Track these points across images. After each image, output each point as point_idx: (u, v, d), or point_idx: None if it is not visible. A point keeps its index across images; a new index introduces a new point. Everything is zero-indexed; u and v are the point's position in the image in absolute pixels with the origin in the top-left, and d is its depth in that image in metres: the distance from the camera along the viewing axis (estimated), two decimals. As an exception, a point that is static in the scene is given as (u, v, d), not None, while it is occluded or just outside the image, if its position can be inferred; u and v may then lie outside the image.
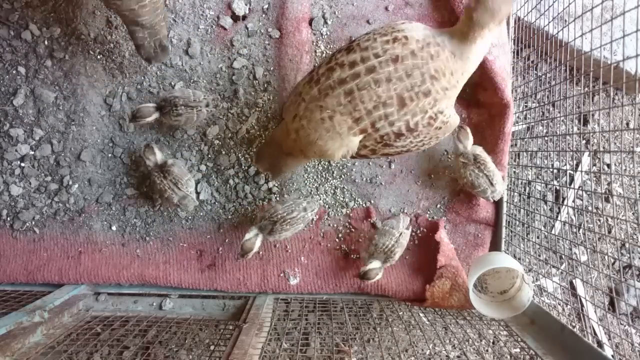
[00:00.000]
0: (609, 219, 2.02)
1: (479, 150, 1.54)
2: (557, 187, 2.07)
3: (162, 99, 1.52)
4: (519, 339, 1.40)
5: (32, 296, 1.63)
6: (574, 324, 1.93)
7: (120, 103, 1.66)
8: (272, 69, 1.67)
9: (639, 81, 1.26)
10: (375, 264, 1.49)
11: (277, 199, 1.69)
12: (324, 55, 1.67)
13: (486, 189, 1.52)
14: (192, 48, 1.64)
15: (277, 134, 1.32)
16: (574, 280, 2.01)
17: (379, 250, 1.50)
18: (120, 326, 1.58)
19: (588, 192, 1.83)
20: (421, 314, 1.65)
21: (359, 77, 1.04)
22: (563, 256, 1.97)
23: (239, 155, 1.70)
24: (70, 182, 1.68)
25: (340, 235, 1.71)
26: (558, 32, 1.56)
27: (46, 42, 1.63)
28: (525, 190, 1.98)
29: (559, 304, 1.98)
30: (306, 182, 1.71)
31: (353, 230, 1.72)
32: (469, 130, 1.53)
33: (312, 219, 1.63)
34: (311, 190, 1.71)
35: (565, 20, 1.53)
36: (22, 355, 1.32)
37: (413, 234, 1.72)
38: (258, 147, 1.66)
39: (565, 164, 2.08)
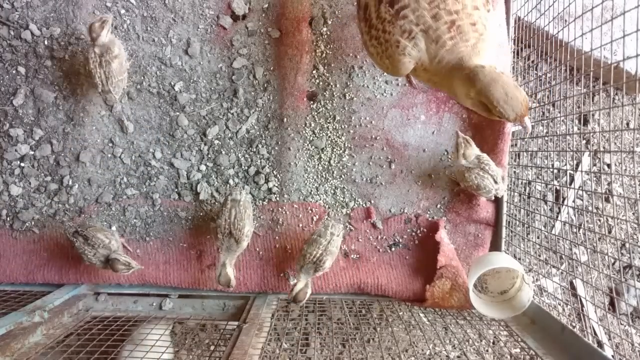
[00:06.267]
0: (609, 219, 2.02)
1: (478, 151, 1.54)
2: (557, 187, 2.07)
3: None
4: (519, 339, 1.39)
5: (32, 296, 1.63)
6: (574, 324, 1.93)
7: (120, 103, 1.65)
8: (272, 68, 1.67)
9: (639, 81, 1.26)
10: (300, 284, 1.46)
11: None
12: (324, 55, 1.67)
13: (491, 189, 1.52)
14: (192, 48, 1.64)
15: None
16: (574, 281, 2.01)
17: (307, 260, 1.46)
18: (120, 326, 1.58)
19: (588, 192, 1.83)
20: (421, 314, 1.64)
21: None
22: (563, 256, 1.97)
23: (239, 155, 1.70)
24: (70, 182, 1.68)
25: (340, 235, 1.71)
26: (558, 32, 1.56)
27: (46, 42, 1.63)
28: (525, 190, 1.98)
29: (559, 304, 1.98)
30: (306, 182, 1.71)
31: (353, 230, 1.72)
32: (472, 142, 1.52)
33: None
34: (311, 191, 1.71)
35: (566, 20, 1.53)
36: (22, 355, 1.32)
37: (413, 234, 1.72)
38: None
39: (566, 164, 2.08)
